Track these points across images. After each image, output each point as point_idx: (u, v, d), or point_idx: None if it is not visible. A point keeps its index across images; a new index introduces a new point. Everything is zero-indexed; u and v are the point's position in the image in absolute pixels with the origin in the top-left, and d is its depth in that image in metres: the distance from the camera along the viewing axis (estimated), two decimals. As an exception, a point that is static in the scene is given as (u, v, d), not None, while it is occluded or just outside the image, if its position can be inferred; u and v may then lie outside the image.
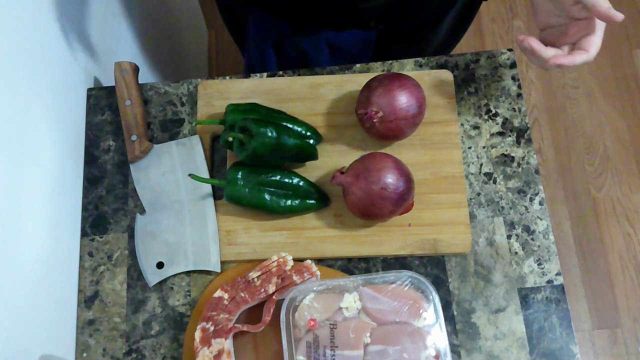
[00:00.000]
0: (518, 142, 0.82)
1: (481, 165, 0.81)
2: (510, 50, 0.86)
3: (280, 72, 0.86)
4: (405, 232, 0.76)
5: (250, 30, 0.97)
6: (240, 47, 1.15)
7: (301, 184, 0.76)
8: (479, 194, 0.79)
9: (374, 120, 0.74)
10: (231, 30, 1.13)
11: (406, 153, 0.80)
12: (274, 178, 0.75)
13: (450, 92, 0.83)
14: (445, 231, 0.76)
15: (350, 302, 0.69)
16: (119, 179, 0.81)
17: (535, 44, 0.65)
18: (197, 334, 0.68)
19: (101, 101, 0.85)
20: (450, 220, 0.77)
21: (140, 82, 0.84)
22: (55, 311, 0.71)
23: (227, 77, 0.85)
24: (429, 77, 0.83)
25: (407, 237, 0.76)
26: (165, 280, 0.76)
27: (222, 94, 0.83)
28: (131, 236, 0.78)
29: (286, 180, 0.76)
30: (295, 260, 0.73)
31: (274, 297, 0.70)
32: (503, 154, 0.81)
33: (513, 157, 0.81)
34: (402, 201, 0.72)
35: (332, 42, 0.93)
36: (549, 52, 0.65)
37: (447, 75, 0.83)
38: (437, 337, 0.68)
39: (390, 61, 0.86)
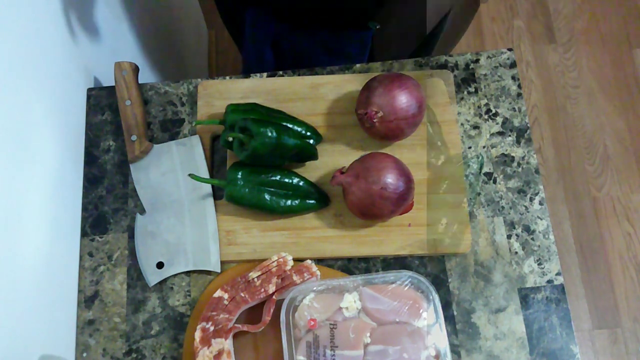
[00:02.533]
0: (518, 142, 0.82)
1: (481, 165, 0.81)
2: (510, 50, 0.86)
3: (280, 72, 0.86)
4: (405, 232, 0.76)
5: (246, 30, 0.97)
6: (238, 45, 1.15)
7: (301, 184, 0.76)
8: (479, 194, 0.79)
9: (374, 120, 0.74)
10: (229, 28, 1.13)
11: (406, 153, 0.79)
12: (274, 178, 0.75)
13: (450, 92, 0.83)
14: (445, 231, 0.76)
15: (350, 302, 0.69)
16: (119, 179, 0.81)
17: None
18: (197, 334, 0.68)
19: (101, 101, 0.85)
20: (450, 220, 0.77)
21: (140, 82, 0.84)
22: (55, 311, 0.71)
23: (227, 77, 0.85)
24: (429, 77, 0.83)
25: (407, 237, 0.76)
26: (165, 280, 0.76)
27: (222, 94, 0.83)
28: (131, 236, 0.78)
29: (286, 180, 0.76)
30: (295, 260, 0.73)
31: (274, 297, 0.70)
32: (503, 154, 0.81)
33: (513, 157, 0.81)
34: (402, 201, 0.72)
35: (328, 43, 0.93)
36: None
37: (447, 75, 0.83)
38: (437, 336, 0.68)
39: (390, 61, 0.86)
